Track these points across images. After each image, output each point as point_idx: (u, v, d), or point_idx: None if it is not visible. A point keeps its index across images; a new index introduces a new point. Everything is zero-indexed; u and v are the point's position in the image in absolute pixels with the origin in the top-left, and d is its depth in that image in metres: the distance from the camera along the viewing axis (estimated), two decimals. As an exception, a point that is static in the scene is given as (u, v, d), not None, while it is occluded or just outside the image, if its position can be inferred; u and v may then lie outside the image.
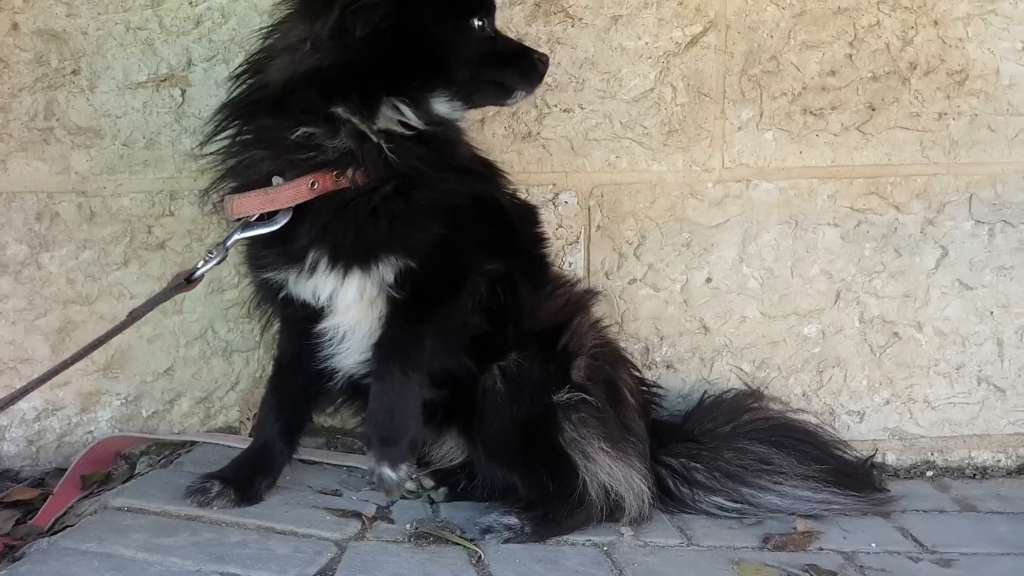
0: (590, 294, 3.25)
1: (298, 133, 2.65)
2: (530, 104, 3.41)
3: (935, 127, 3.51)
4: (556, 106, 3.44)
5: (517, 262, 2.96)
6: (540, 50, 2.95)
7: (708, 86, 3.47)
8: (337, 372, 2.94)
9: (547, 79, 3.30)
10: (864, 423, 3.61)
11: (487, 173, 2.97)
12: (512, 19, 3.38)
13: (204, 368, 3.48)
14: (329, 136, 2.65)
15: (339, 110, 2.63)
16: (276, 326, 3.09)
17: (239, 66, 2.81)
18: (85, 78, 3.33)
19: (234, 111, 2.76)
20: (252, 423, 3.44)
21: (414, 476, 3.12)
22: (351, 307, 2.77)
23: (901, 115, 3.50)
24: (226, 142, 2.77)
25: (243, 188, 2.74)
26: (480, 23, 2.78)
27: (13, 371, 3.40)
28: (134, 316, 2.74)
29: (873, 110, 3.49)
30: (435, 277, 2.76)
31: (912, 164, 3.52)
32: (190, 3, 3.32)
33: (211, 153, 2.78)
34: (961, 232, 3.56)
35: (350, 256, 2.70)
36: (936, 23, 3.47)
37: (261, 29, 2.80)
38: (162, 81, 3.35)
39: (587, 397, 2.93)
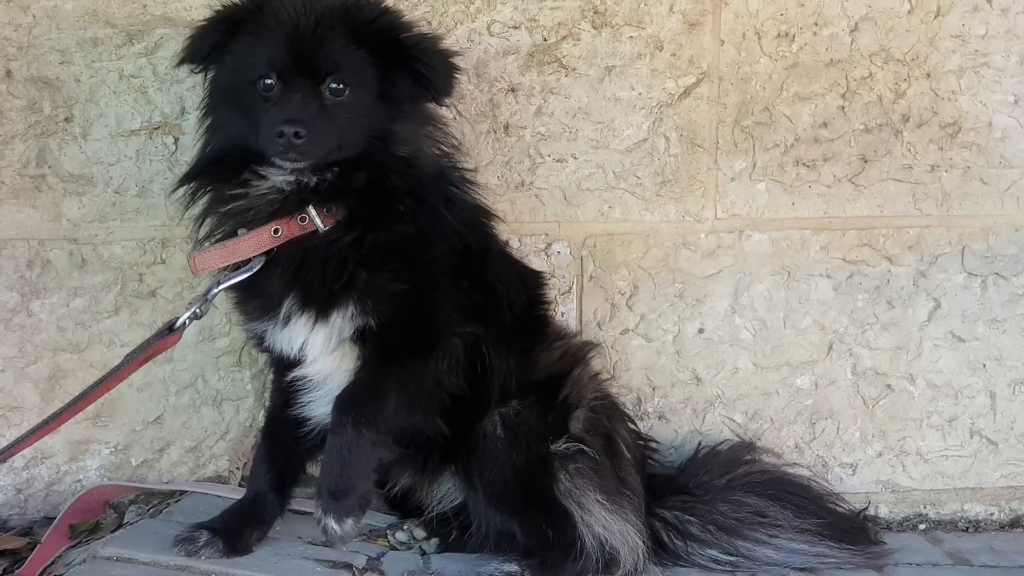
0: (588, 346, 3.24)
1: (232, 205, 2.75)
2: (523, 154, 3.42)
3: (928, 179, 3.52)
4: (549, 156, 3.44)
5: (500, 324, 2.94)
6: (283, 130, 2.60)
7: (701, 137, 3.47)
8: (310, 420, 2.95)
9: (540, 129, 3.33)
10: (857, 475, 3.60)
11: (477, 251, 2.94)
12: (506, 69, 3.39)
13: (194, 417, 3.46)
14: (259, 194, 2.73)
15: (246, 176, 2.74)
16: (269, 376, 3.10)
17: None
18: (78, 125, 3.33)
19: (198, 171, 2.84)
20: (242, 472, 3.43)
21: (405, 527, 3.12)
22: (319, 357, 2.79)
23: (894, 167, 3.51)
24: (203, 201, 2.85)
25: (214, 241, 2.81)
26: (262, 81, 2.67)
27: (2, 419, 3.38)
28: (123, 364, 2.77)
29: (866, 162, 3.50)
30: (402, 334, 2.75)
31: (905, 216, 3.53)
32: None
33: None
34: (954, 284, 3.56)
35: (318, 305, 2.72)
36: (929, 76, 3.49)
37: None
38: (155, 129, 3.35)
39: (585, 448, 2.92)
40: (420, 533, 3.12)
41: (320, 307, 2.71)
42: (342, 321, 2.71)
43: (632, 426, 3.26)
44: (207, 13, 3.12)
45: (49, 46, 3.29)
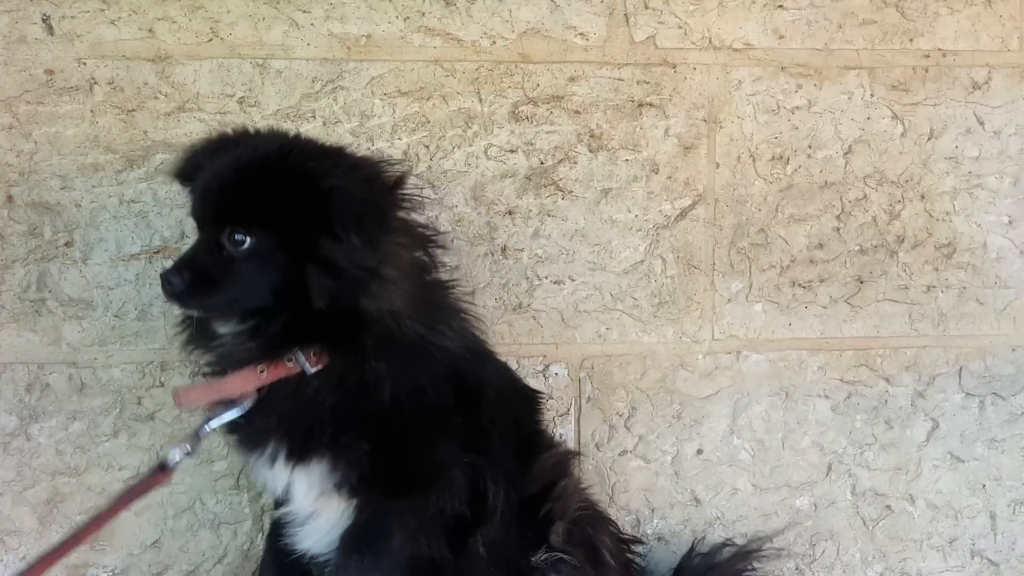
0: (571, 454, 3.22)
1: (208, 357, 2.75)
2: (521, 276, 3.43)
3: (924, 300, 3.53)
4: (547, 278, 3.46)
5: (496, 455, 2.90)
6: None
7: (698, 258, 3.49)
8: (298, 550, 2.90)
9: (537, 251, 3.35)
10: (858, 597, 3.57)
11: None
12: (503, 192, 3.41)
13: (192, 540, 3.44)
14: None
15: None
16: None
17: None
18: (78, 250, 3.34)
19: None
20: (239, 597, 3.42)
21: None
22: (304, 500, 2.75)
23: (889, 288, 3.52)
24: None
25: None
26: None
27: (0, 543, 3.36)
28: (115, 505, 2.73)
29: (861, 283, 3.51)
30: (396, 473, 2.70)
31: (901, 336, 3.54)
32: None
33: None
34: (952, 405, 3.56)
35: (298, 454, 2.67)
36: (923, 197, 3.51)
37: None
38: (155, 253, 3.36)
39: (565, 558, 2.90)
40: None
41: (300, 456, 2.66)
42: (320, 472, 2.66)
43: (616, 532, 3.23)
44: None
45: (50, 172, 3.31)
